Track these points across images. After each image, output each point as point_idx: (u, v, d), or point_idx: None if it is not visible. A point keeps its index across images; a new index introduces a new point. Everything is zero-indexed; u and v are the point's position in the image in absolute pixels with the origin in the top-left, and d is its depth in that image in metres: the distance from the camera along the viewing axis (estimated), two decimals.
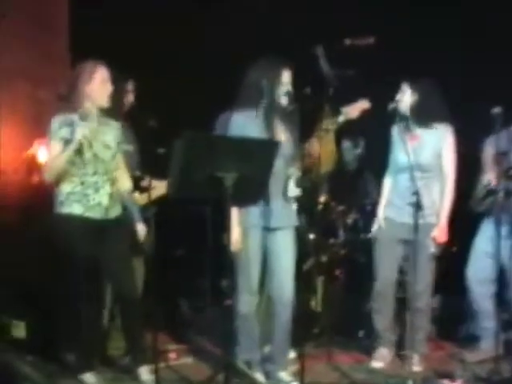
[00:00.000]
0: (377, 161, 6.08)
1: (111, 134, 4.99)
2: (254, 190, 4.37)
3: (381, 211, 5.57)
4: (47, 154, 5.00)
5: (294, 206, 4.94)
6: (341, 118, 5.29)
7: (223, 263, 4.28)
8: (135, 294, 5.02)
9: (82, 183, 4.89)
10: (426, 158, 5.36)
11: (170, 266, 6.30)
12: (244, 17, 7.23)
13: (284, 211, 4.87)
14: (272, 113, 4.77)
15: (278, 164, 4.53)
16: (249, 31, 7.13)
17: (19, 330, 5.50)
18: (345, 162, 6.80)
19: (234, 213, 4.57)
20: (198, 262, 6.89)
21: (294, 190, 4.77)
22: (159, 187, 5.22)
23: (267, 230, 4.84)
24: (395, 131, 5.49)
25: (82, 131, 4.74)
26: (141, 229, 5.16)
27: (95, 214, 4.90)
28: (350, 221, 6.38)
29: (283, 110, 4.78)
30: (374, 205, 5.92)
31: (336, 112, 5.26)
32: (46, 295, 5.55)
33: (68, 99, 4.86)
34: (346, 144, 6.80)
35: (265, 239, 4.86)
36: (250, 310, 4.85)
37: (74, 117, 4.81)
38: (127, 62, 5.20)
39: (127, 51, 6.58)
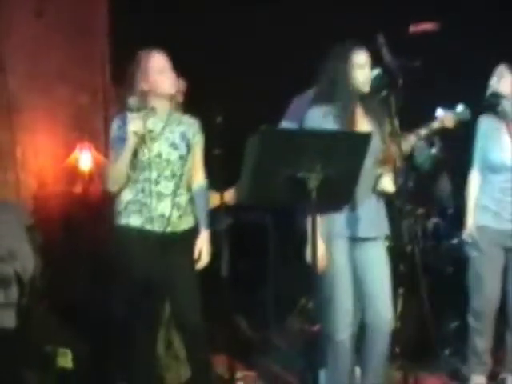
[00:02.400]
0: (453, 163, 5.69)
1: (181, 132, 4.35)
2: (340, 194, 3.74)
3: (471, 217, 4.92)
4: (108, 161, 4.45)
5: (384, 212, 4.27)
6: (435, 125, 4.87)
7: (304, 282, 3.63)
8: (200, 320, 4.37)
9: (143, 190, 4.25)
10: None
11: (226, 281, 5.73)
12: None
13: (374, 218, 4.24)
14: (349, 101, 4.15)
15: (367, 162, 3.87)
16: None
17: (66, 359, 4.98)
18: (417, 163, 6.12)
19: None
20: (257, 275, 6.30)
21: (389, 188, 4.11)
22: (213, 198, 4.68)
23: (354, 240, 4.21)
24: (486, 123, 4.87)
25: (133, 125, 4.13)
26: (203, 238, 4.39)
27: (157, 227, 4.26)
28: (430, 226, 5.74)
29: (365, 97, 4.14)
30: (456, 208, 5.39)
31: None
32: (95, 318, 5.14)
33: (128, 95, 4.24)
34: (419, 143, 6.11)
35: (352, 252, 4.22)
36: (347, 336, 4.21)
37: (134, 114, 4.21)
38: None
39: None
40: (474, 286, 4.90)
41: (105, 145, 6.91)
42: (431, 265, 5.74)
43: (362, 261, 4.24)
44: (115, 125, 4.28)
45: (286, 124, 4.86)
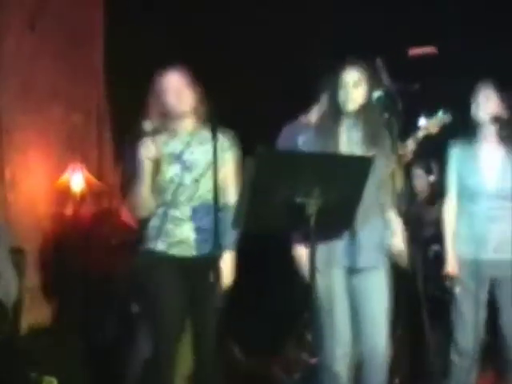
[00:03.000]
0: None
1: (204, 151, 4.12)
2: (339, 220, 3.58)
3: (451, 250, 4.61)
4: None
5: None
6: (421, 134, 4.81)
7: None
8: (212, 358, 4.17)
9: (165, 215, 4.08)
10: (509, 182, 4.47)
11: None
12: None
13: (375, 245, 4.07)
14: (332, 123, 4.01)
15: (368, 186, 3.70)
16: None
17: None
18: (417, 191, 5.98)
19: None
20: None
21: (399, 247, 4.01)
22: None
23: (352, 270, 4.05)
24: (460, 150, 4.59)
25: (145, 150, 3.98)
26: (224, 259, 4.07)
27: (178, 252, 4.08)
28: (430, 253, 5.57)
29: (368, 119, 4.00)
30: None
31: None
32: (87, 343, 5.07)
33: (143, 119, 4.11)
34: (418, 172, 5.97)
35: (350, 281, 4.06)
36: (343, 367, 4.05)
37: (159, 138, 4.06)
38: None
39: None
40: (457, 322, 4.61)
41: (98, 165, 6.82)
42: (431, 292, 5.59)
43: (359, 290, 4.09)
44: (140, 149, 4.07)
45: None
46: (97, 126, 6.86)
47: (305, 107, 4.79)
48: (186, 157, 4.09)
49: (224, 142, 4.11)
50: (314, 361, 3.73)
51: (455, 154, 4.59)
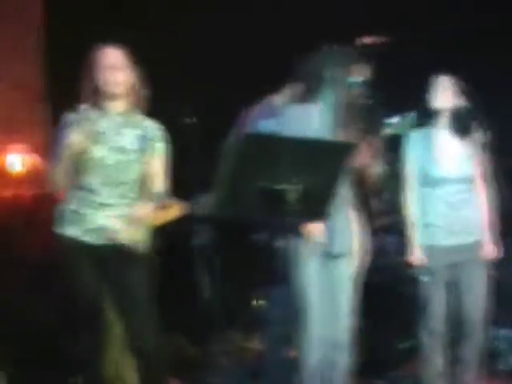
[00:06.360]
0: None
1: (137, 135, 4.00)
2: (317, 207, 3.48)
3: (415, 238, 4.68)
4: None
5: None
6: (388, 131, 4.88)
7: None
8: (154, 344, 4.04)
9: (82, 198, 3.91)
10: (467, 168, 4.64)
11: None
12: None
13: (347, 234, 4.05)
14: (342, 107, 3.96)
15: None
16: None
17: None
18: None
19: None
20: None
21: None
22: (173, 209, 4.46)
23: (327, 257, 4.01)
24: (419, 138, 4.70)
25: (71, 137, 3.80)
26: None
27: (95, 239, 3.92)
28: (377, 243, 5.57)
29: (351, 105, 3.95)
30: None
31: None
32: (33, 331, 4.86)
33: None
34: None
35: (324, 268, 4.02)
36: (316, 360, 4.01)
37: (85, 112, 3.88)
38: None
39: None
40: (424, 307, 4.69)
41: (38, 145, 6.61)
42: (379, 283, 5.58)
43: (331, 279, 4.07)
44: (64, 121, 3.92)
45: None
46: (36, 107, 6.63)
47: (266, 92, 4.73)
48: (117, 138, 3.94)
49: (156, 131, 4.02)
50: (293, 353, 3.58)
51: (414, 143, 4.70)
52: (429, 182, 4.64)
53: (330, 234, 3.94)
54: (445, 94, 4.61)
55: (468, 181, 4.63)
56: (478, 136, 4.67)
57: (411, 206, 4.68)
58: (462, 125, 4.62)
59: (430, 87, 4.64)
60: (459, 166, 4.63)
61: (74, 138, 3.80)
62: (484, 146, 4.69)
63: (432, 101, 4.63)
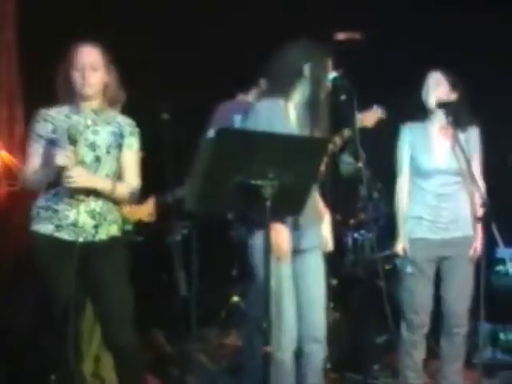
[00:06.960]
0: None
1: (109, 131, 3.98)
2: (292, 203, 3.47)
3: (402, 229, 4.75)
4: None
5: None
6: (347, 132, 4.91)
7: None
8: (131, 340, 4.01)
9: (56, 194, 3.90)
10: (457, 162, 4.67)
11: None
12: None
13: (314, 228, 4.05)
14: (316, 103, 3.91)
15: None
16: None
17: None
18: (343, 175, 5.97)
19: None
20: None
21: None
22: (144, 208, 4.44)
23: (296, 252, 3.99)
24: (412, 130, 4.77)
25: (60, 159, 3.78)
26: None
27: (67, 236, 3.91)
28: (360, 237, 5.58)
29: (325, 100, 3.93)
30: (387, 218, 5.30)
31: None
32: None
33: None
34: (344, 157, 5.96)
35: (293, 263, 4.00)
36: (290, 355, 3.99)
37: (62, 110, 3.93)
38: None
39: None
40: (407, 299, 4.75)
41: (9, 143, 6.54)
42: (361, 278, 5.59)
43: (300, 274, 4.05)
44: (38, 120, 3.95)
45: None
46: (12, 104, 6.55)
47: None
48: (88, 135, 3.94)
49: (129, 127, 4.02)
50: (267, 349, 3.54)
51: (407, 135, 4.78)
52: (420, 173, 4.71)
53: (297, 230, 3.93)
54: (437, 89, 4.68)
55: (457, 174, 4.67)
56: (471, 130, 4.75)
57: (404, 197, 4.75)
58: (453, 119, 4.67)
59: (424, 81, 4.71)
60: (450, 159, 4.68)
61: (61, 161, 3.78)
62: (475, 141, 4.76)
63: (424, 95, 4.71)
